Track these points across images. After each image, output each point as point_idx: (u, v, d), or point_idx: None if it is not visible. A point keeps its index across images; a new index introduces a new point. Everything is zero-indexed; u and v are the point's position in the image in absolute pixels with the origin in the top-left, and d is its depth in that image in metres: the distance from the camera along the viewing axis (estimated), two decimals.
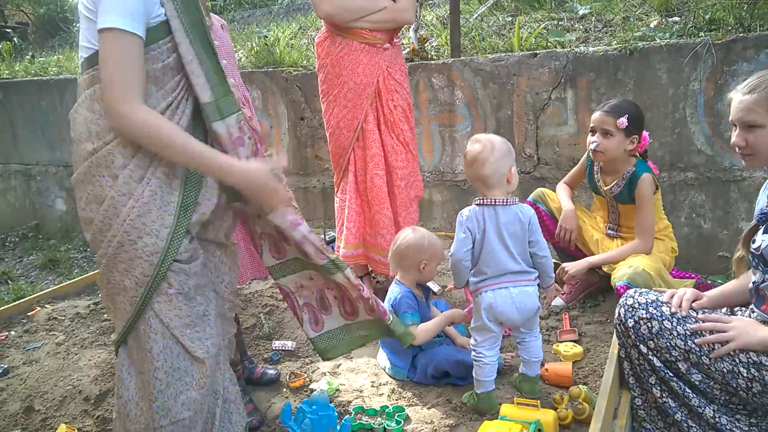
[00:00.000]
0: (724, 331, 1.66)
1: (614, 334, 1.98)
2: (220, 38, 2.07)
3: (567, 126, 3.40)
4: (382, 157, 2.79)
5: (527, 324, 2.05)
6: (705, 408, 1.69)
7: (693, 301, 1.77)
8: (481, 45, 3.97)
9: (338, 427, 1.94)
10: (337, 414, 2.00)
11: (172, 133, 1.40)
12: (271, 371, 2.34)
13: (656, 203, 2.59)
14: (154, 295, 1.45)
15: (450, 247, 2.09)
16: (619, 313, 1.81)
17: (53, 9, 8.08)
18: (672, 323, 1.71)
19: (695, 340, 1.68)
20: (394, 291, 2.33)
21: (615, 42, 3.44)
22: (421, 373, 2.23)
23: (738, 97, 1.71)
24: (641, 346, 1.75)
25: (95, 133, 1.42)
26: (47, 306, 3.19)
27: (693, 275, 2.69)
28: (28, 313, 3.11)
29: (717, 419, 1.69)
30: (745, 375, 1.61)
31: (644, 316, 1.74)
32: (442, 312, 2.45)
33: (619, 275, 2.35)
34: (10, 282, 4.23)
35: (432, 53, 4.04)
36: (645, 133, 2.55)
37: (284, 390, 2.28)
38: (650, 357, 1.74)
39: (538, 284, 2.07)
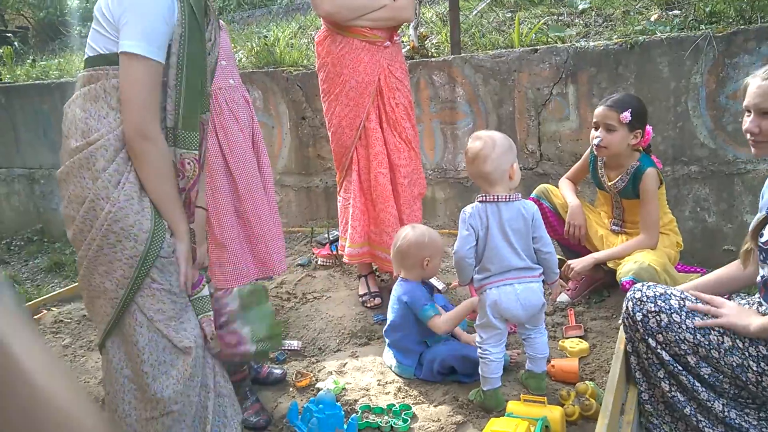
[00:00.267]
0: (717, 312, 1.68)
1: (621, 328, 1.98)
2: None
3: (569, 121, 3.39)
4: (386, 155, 2.79)
5: (532, 320, 2.05)
6: (714, 402, 1.69)
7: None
8: (482, 41, 3.96)
9: (345, 426, 1.94)
10: (343, 413, 2.00)
11: (172, 169, 1.53)
12: (278, 371, 2.35)
13: (661, 198, 2.58)
14: (137, 293, 1.49)
15: (453, 244, 2.08)
16: (627, 307, 1.80)
17: (53, 13, 8.09)
18: (681, 316, 1.70)
19: (694, 322, 1.68)
20: (401, 289, 2.33)
21: (615, 36, 3.43)
22: (427, 370, 2.23)
23: (756, 82, 1.68)
24: (650, 340, 1.74)
25: (81, 132, 1.49)
26: (53, 309, 3.20)
27: (698, 269, 2.68)
28: (35, 316, 3.12)
29: (726, 413, 1.68)
30: (754, 369, 1.60)
31: (653, 309, 1.73)
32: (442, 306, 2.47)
33: (624, 270, 2.35)
34: (16, 285, 4.24)
35: (432, 50, 4.03)
36: (648, 128, 2.54)
37: (291, 389, 2.29)
38: (659, 351, 1.73)
39: (543, 280, 2.06)
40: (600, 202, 2.84)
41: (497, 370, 2.02)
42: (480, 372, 2.04)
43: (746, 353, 1.61)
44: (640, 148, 2.56)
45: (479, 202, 2.01)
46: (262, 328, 1.74)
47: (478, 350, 2.04)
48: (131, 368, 1.53)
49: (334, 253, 3.35)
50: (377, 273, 3.11)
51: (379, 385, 2.26)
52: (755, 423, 1.68)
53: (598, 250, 2.67)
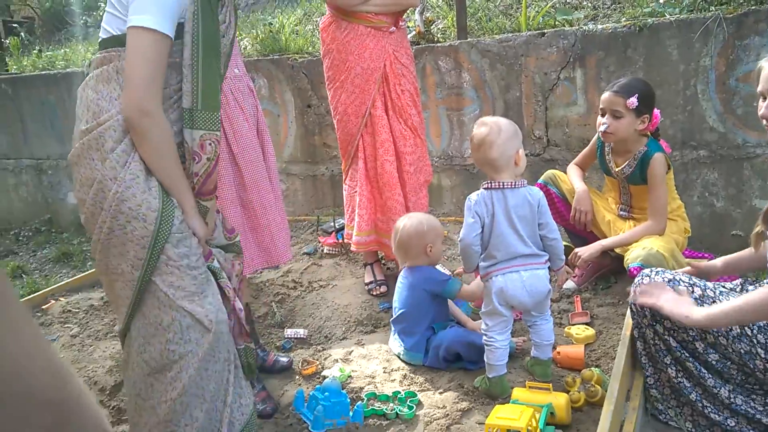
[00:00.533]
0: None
1: (627, 314, 1.97)
2: None
3: (576, 106, 3.36)
4: (392, 142, 2.78)
5: (538, 307, 2.04)
6: (720, 388, 1.68)
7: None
8: (488, 26, 3.92)
9: (351, 414, 1.95)
10: (349, 400, 2.01)
11: (173, 146, 1.50)
12: (284, 359, 2.36)
13: (669, 183, 2.55)
14: (153, 272, 1.48)
15: (459, 232, 2.07)
16: (634, 293, 1.78)
17: (58, 3, 8.08)
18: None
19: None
20: (412, 277, 2.33)
21: (624, 19, 3.38)
22: (432, 356, 2.24)
23: (765, 65, 1.66)
24: (657, 326, 1.73)
25: (92, 113, 1.48)
26: (61, 299, 3.22)
27: (706, 255, 2.66)
28: (43, 306, 3.14)
29: (732, 399, 1.67)
30: (762, 356, 1.59)
31: None
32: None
33: (632, 257, 2.33)
34: (24, 276, 4.27)
35: (438, 35, 3.99)
36: (656, 111, 2.50)
37: (297, 377, 2.30)
38: (666, 337, 1.72)
39: (549, 267, 2.05)
40: (608, 188, 2.82)
41: (503, 357, 2.01)
42: (485, 359, 2.03)
43: (754, 340, 1.60)
44: (648, 133, 2.53)
45: (485, 189, 1.99)
46: None
47: (484, 337, 2.04)
48: (154, 349, 1.52)
49: (340, 241, 3.35)
50: (383, 261, 3.10)
51: (384, 372, 2.26)
52: (761, 409, 1.67)
53: (605, 236, 2.65)
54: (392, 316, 2.40)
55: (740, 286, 1.80)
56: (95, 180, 1.46)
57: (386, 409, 2.01)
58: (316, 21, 4.81)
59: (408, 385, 2.16)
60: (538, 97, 3.44)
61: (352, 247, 2.90)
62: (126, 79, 1.43)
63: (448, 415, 1.94)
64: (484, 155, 1.97)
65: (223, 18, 1.60)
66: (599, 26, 3.26)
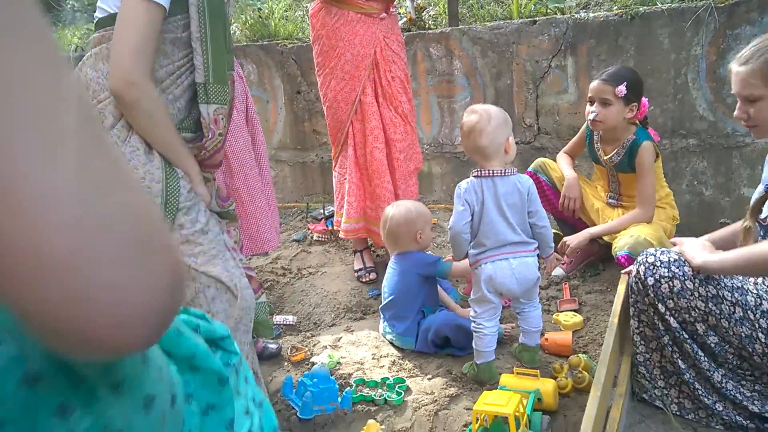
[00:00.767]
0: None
1: (615, 301, 1.98)
2: None
3: (567, 94, 3.35)
4: (381, 130, 2.76)
5: (527, 294, 2.05)
6: (714, 372, 1.70)
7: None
8: (480, 13, 3.90)
9: (339, 400, 1.95)
10: (338, 386, 2.01)
11: (166, 115, 1.45)
12: (273, 345, 2.36)
13: (657, 171, 2.56)
14: None
15: (449, 220, 2.07)
16: (639, 271, 1.77)
17: None
18: (694, 284, 1.68)
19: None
20: (404, 263, 2.34)
21: (616, 7, 3.37)
22: (422, 340, 2.24)
23: (734, 68, 1.69)
24: (659, 306, 1.73)
25: (92, 92, 1.46)
26: None
27: None
28: None
29: (723, 384, 1.69)
30: (763, 340, 1.60)
31: (666, 274, 1.71)
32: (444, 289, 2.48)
33: (620, 245, 2.34)
34: None
35: (429, 22, 3.97)
36: (644, 100, 2.51)
37: (285, 364, 2.30)
38: (667, 317, 1.72)
39: (538, 255, 2.06)
40: (596, 176, 2.82)
41: (491, 344, 2.02)
42: (474, 345, 2.04)
43: (756, 324, 1.61)
44: (636, 122, 2.53)
45: (474, 177, 1.99)
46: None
47: (472, 324, 2.04)
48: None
49: (330, 228, 3.34)
50: (372, 248, 3.10)
51: (373, 359, 2.26)
52: (749, 395, 1.69)
53: (594, 224, 2.66)
54: (381, 303, 2.40)
55: None
56: None
57: (375, 395, 2.01)
58: (306, 6, 4.77)
59: (397, 371, 2.16)
60: (529, 85, 3.44)
61: (341, 234, 2.90)
62: (113, 50, 1.39)
63: (436, 400, 1.95)
64: (474, 143, 1.96)
65: None
66: (591, 14, 3.25)
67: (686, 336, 1.71)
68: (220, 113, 1.53)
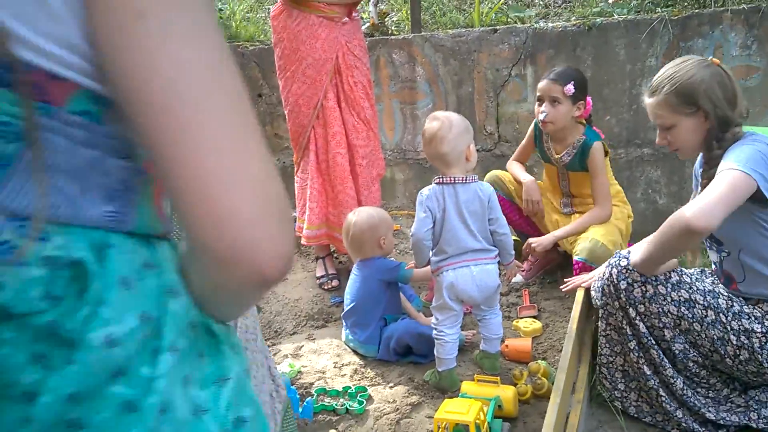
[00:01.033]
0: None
1: (574, 308, 2.01)
2: None
3: (527, 103, 3.40)
4: (344, 135, 2.75)
5: (488, 301, 2.06)
6: (676, 379, 1.73)
7: None
8: (442, 20, 3.93)
9: (300, 410, 1.93)
10: (299, 396, 1.99)
11: None
12: None
13: (607, 168, 2.60)
14: None
15: (412, 226, 2.07)
16: (611, 274, 1.78)
17: None
18: (666, 288, 1.71)
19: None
20: (366, 269, 2.32)
21: (574, 18, 3.45)
22: (384, 349, 2.23)
23: (645, 99, 1.78)
24: (630, 310, 1.74)
25: None
26: None
27: None
28: None
29: (684, 391, 1.73)
30: (734, 342, 1.64)
31: (639, 279, 1.73)
32: (409, 295, 2.48)
33: (578, 249, 2.38)
34: None
35: (392, 28, 3.98)
36: (588, 98, 2.55)
37: None
38: (637, 321, 1.74)
39: (498, 262, 2.07)
40: (545, 176, 2.83)
41: (452, 351, 2.03)
42: (435, 353, 2.04)
43: (728, 327, 1.64)
44: (583, 120, 2.57)
45: (436, 183, 1.99)
46: None
47: (434, 331, 2.04)
48: None
49: None
50: (335, 254, 3.08)
51: (335, 367, 2.24)
52: (703, 401, 1.74)
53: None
54: (343, 310, 2.38)
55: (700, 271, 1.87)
56: None
57: (336, 404, 1.99)
58: (268, 8, 4.72)
59: (358, 380, 2.15)
60: (490, 93, 3.47)
61: (303, 241, 2.87)
62: None
63: (398, 409, 1.95)
64: (435, 150, 1.97)
65: None
66: (550, 24, 3.31)
67: (653, 342, 1.74)
68: None
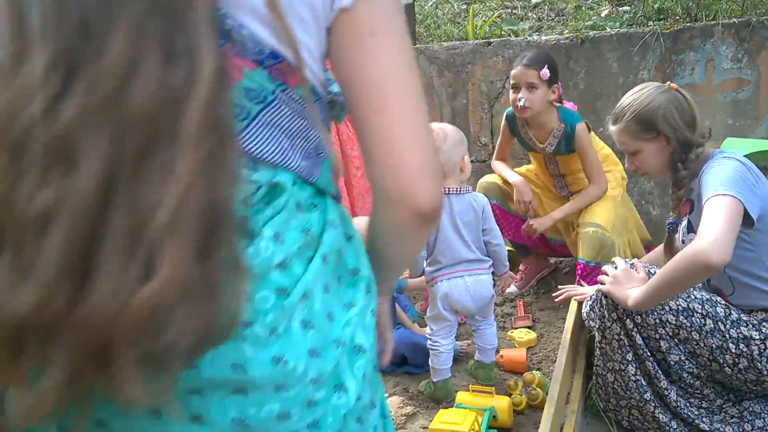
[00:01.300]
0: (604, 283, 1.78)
1: (568, 318, 2.02)
2: None
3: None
4: (339, 145, 2.76)
5: (482, 312, 2.07)
6: (671, 391, 1.73)
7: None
8: (437, 33, 3.97)
9: None
10: None
11: None
12: None
13: (593, 139, 2.58)
14: None
15: None
16: (601, 298, 1.79)
17: None
18: None
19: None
20: None
21: (567, 31, 3.49)
22: (378, 359, 2.23)
23: (609, 127, 1.83)
24: (627, 321, 1.74)
25: None
26: None
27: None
28: None
29: (677, 403, 1.73)
30: (733, 351, 1.64)
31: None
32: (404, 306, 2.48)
33: (579, 251, 2.41)
34: None
35: None
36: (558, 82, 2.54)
37: None
38: (633, 333, 1.74)
39: (493, 272, 2.08)
40: (533, 160, 2.80)
41: (447, 361, 2.03)
42: (430, 363, 2.04)
43: (727, 335, 1.64)
44: (555, 103, 2.54)
45: None
46: None
47: (429, 342, 2.05)
48: None
49: None
50: None
51: None
52: (697, 412, 1.74)
53: (557, 231, 2.68)
54: None
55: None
56: None
57: None
58: None
59: None
60: (484, 105, 3.50)
61: None
62: None
63: (393, 419, 1.93)
64: None
65: None
66: (543, 37, 3.35)
67: (648, 353, 1.74)
68: None
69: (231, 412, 0.61)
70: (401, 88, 0.67)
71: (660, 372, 1.74)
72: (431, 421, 1.76)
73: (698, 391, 1.76)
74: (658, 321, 1.71)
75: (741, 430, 1.70)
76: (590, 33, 3.23)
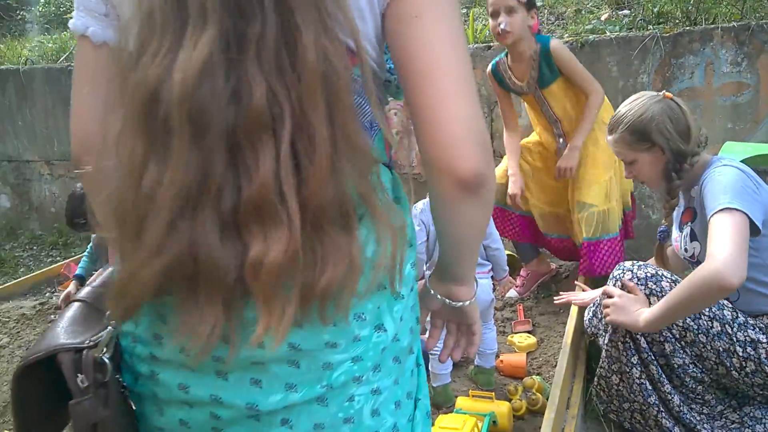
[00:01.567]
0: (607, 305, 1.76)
1: (568, 323, 2.02)
2: None
3: (520, 118, 3.42)
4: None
5: (482, 316, 2.06)
6: (673, 396, 1.72)
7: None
8: None
9: None
10: None
11: None
12: None
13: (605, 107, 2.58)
14: None
15: None
16: (615, 287, 1.78)
17: None
18: None
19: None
20: None
21: (567, 35, 3.49)
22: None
23: (606, 137, 1.85)
24: None
25: None
26: None
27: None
28: None
29: (680, 408, 1.72)
30: (740, 354, 1.63)
31: (644, 292, 1.72)
32: None
33: (581, 231, 2.47)
34: None
35: None
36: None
37: None
38: (638, 336, 1.73)
39: (492, 277, 2.08)
40: (531, 114, 2.79)
41: (447, 367, 2.03)
42: (430, 368, 2.04)
43: (734, 338, 1.64)
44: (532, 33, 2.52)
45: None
46: None
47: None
48: None
49: None
50: None
51: None
52: (698, 418, 1.73)
53: (554, 205, 2.70)
54: None
55: None
56: None
57: None
58: None
59: None
60: (484, 109, 3.50)
61: None
62: None
63: None
64: None
65: None
66: None
67: (652, 357, 1.73)
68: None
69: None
70: (442, 62, 0.71)
71: (663, 376, 1.74)
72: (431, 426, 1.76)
73: (699, 397, 1.75)
74: None
75: None
76: (590, 37, 3.23)
